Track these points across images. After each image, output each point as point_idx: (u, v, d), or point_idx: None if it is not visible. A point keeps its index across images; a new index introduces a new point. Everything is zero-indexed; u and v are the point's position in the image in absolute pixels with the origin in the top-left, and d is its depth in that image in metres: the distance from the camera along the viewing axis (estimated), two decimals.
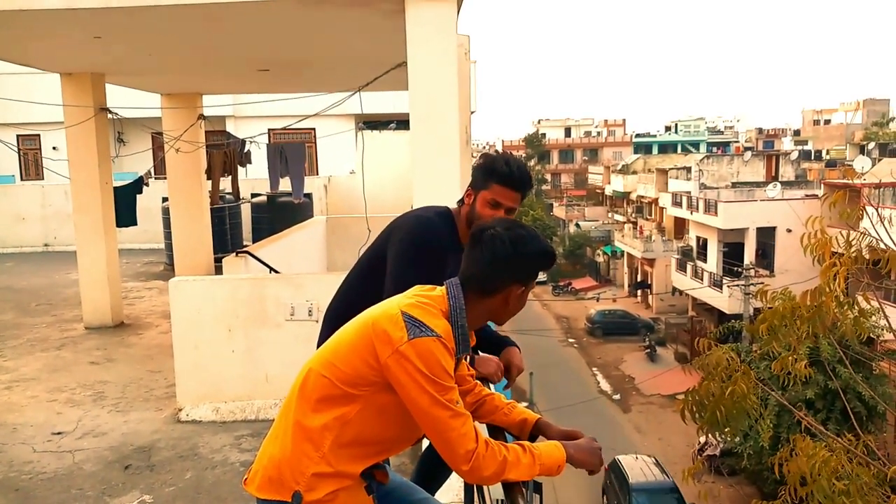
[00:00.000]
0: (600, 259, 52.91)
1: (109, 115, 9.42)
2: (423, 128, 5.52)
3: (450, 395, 1.81)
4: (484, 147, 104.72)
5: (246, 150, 13.27)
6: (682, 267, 36.14)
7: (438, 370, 1.79)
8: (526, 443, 1.93)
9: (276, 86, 11.42)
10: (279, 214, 13.23)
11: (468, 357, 2.53)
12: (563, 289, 49.57)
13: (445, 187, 5.26)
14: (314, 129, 19.92)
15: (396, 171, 14.22)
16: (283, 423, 1.92)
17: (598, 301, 43.68)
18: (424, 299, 1.91)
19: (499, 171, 2.57)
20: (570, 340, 39.16)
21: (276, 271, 7.94)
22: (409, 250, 2.59)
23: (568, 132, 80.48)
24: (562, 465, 1.93)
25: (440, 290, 1.96)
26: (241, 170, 13.80)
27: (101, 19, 5.91)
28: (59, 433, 5.64)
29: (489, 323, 2.97)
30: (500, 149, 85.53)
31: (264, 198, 14.23)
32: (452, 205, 2.74)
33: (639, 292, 44.61)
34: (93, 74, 8.94)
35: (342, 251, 11.60)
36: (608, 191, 58.04)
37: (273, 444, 1.91)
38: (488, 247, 1.94)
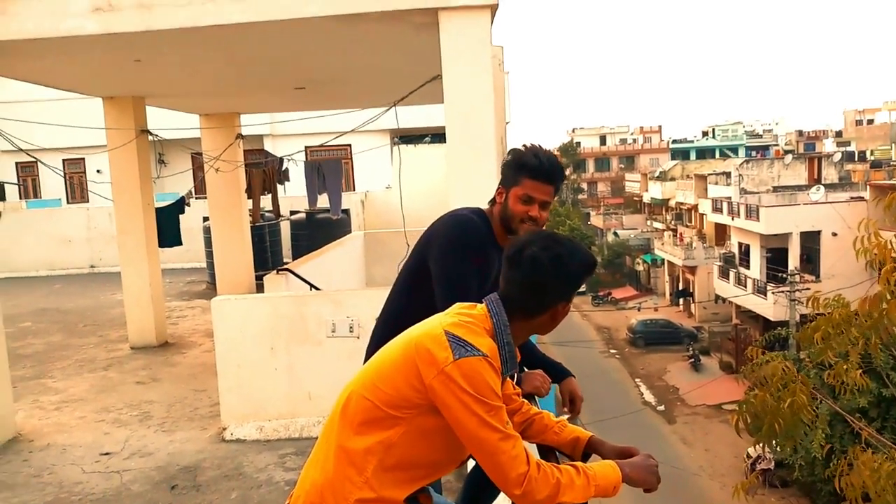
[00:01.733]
0: (640, 268, 52.25)
1: (150, 137, 9.58)
2: (459, 140, 5.49)
3: (499, 416, 1.74)
4: None
5: (284, 168, 13.40)
6: (724, 274, 35.47)
7: (486, 390, 1.72)
8: (580, 464, 1.85)
9: (313, 103, 11.52)
10: (318, 231, 13.31)
11: (514, 375, 2.45)
12: (603, 299, 49.01)
13: (482, 199, 5.23)
14: (350, 145, 20.07)
15: (433, 185, 14.19)
16: (325, 446, 1.86)
17: (639, 310, 43.10)
18: (467, 318, 1.84)
19: (529, 165, 2.48)
20: (612, 351, 38.70)
21: (317, 288, 7.95)
22: (455, 249, 2.51)
23: (603, 140, 79.94)
24: (618, 486, 1.85)
25: (481, 308, 1.90)
26: (279, 187, 13.94)
27: (140, 43, 6.00)
28: (106, 453, 5.69)
29: (535, 343, 2.90)
30: None
31: (303, 215, 14.34)
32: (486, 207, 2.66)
33: (681, 301, 43.94)
34: (134, 98, 9.11)
35: (381, 266, 11.60)
36: (646, 198, 57.39)
37: (315, 469, 1.86)
38: (527, 271, 1.87)
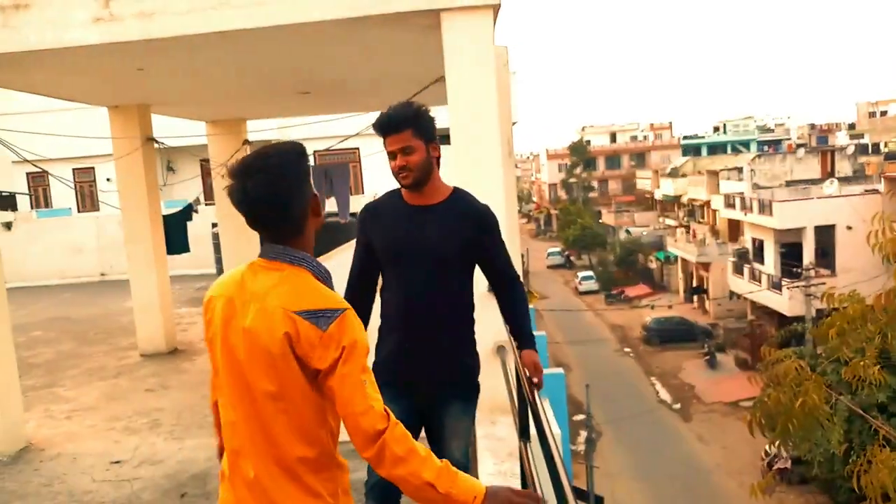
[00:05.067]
0: (653, 265, 51.96)
1: (156, 145, 9.59)
2: (464, 141, 5.42)
3: (369, 373, 1.77)
4: (528, 158, 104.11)
5: None
6: (738, 270, 35.20)
7: (364, 348, 1.76)
8: (446, 461, 1.74)
9: (319, 107, 11.51)
10: (326, 235, 13.09)
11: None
12: (616, 297, 48.77)
13: (486, 200, 5.20)
14: (358, 148, 20.09)
15: None
16: (262, 479, 1.84)
17: (652, 308, 42.80)
18: (294, 285, 1.83)
19: (376, 127, 2.66)
20: (626, 350, 38.48)
21: None
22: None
23: (613, 138, 79.59)
24: (479, 496, 1.68)
25: (277, 265, 1.89)
26: None
27: (142, 52, 5.98)
28: (117, 462, 5.68)
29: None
30: (544, 159, 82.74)
31: None
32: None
33: (695, 298, 43.64)
34: (139, 106, 9.12)
35: None
36: (658, 195, 57.06)
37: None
38: (263, 204, 1.85)
